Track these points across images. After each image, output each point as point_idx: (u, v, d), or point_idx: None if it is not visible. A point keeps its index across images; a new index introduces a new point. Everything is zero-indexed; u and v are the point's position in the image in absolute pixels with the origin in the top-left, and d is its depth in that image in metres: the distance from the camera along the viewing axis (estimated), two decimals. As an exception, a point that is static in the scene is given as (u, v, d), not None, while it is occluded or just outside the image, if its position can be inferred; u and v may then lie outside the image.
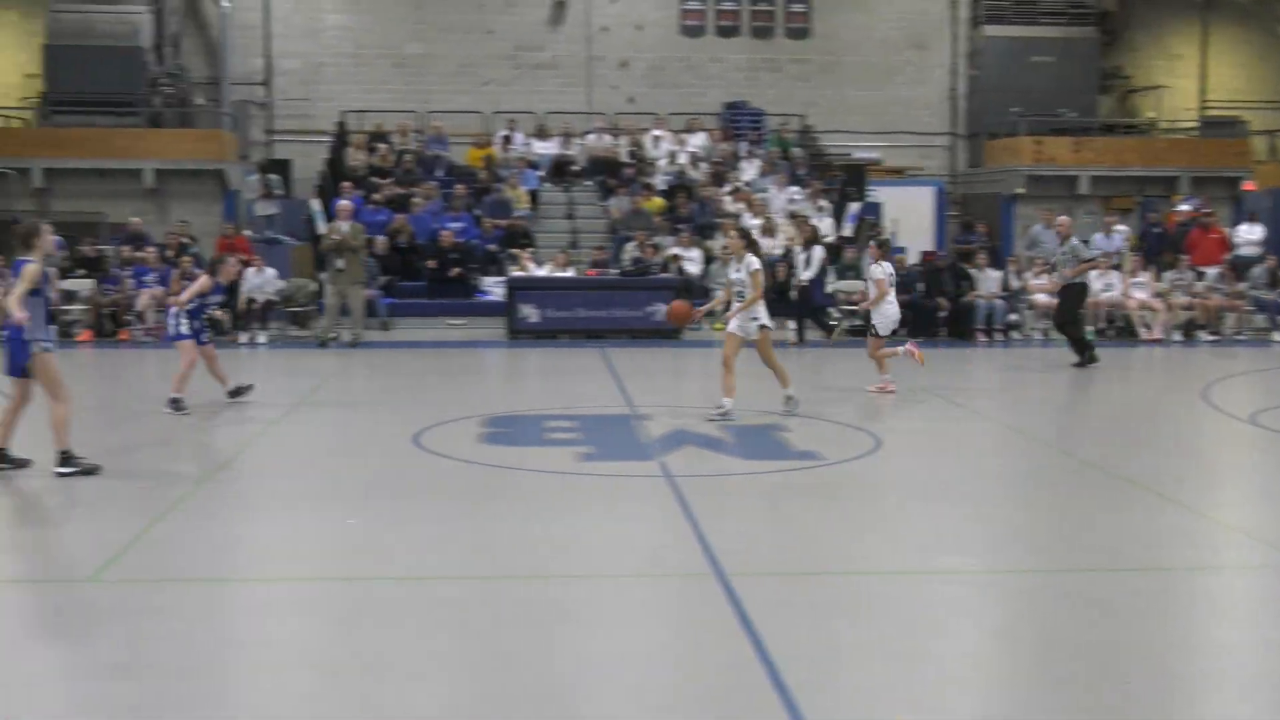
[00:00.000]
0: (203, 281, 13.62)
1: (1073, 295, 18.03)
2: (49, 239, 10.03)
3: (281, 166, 29.04)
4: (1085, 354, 17.63)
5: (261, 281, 21.09)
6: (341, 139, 28.86)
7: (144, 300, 20.59)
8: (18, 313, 9.54)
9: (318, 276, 21.82)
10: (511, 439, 11.94)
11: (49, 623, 6.65)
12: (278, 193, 26.23)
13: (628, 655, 6.18)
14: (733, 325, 12.90)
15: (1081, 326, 18.57)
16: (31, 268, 9.66)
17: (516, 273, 22.69)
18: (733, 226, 14.31)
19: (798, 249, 21.68)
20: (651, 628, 6.65)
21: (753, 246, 12.94)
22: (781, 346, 20.06)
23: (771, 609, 6.73)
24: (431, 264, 22.89)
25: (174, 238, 22.71)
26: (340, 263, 19.95)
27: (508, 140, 28.41)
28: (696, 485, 9.82)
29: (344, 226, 20.18)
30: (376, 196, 25.26)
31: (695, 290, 22.61)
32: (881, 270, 14.85)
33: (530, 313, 21.49)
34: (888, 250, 15.74)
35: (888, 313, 14.87)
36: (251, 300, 20.83)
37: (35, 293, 9.71)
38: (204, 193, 28.88)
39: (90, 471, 9.83)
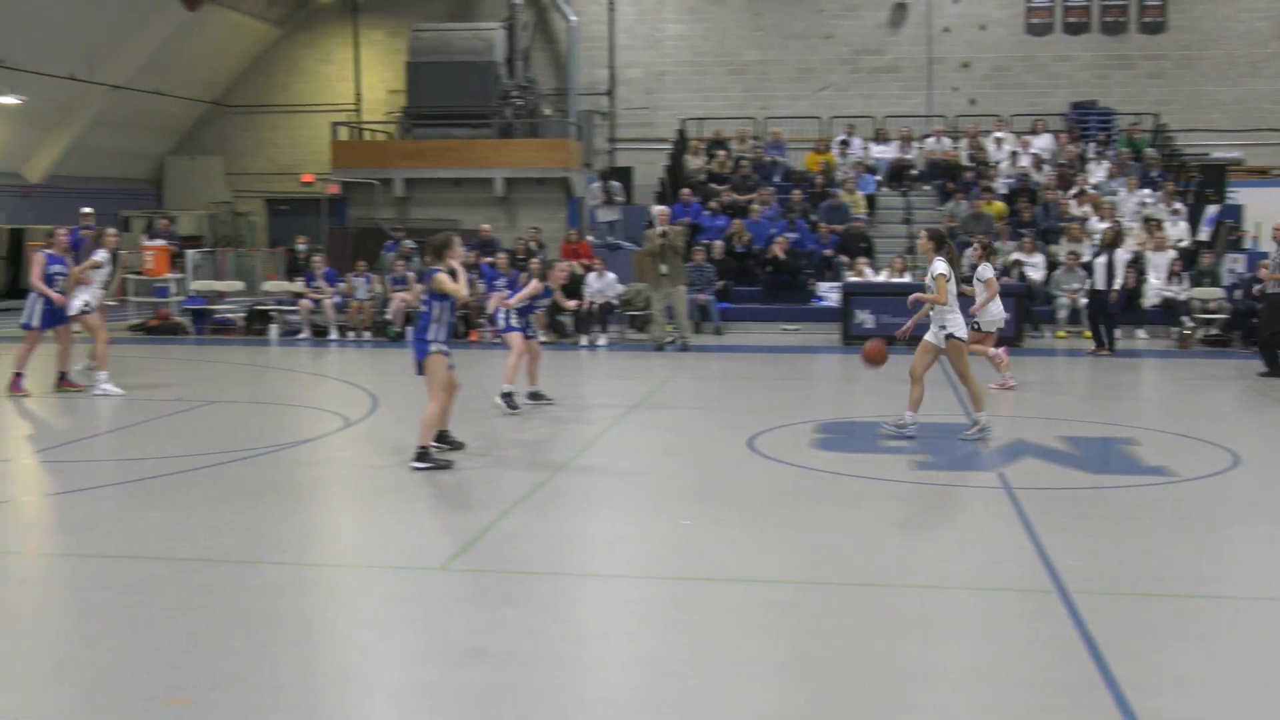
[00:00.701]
0: (534, 285, 14.11)
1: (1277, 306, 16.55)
2: (460, 249, 10.69)
3: (623, 174, 29.82)
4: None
5: (602, 285, 21.71)
6: (681, 146, 29.40)
7: (493, 303, 21.50)
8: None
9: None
10: (846, 445, 11.86)
11: (403, 608, 7.03)
12: (618, 199, 26.94)
13: (961, 669, 6.03)
14: (928, 334, 12.21)
15: None
16: (443, 275, 10.36)
17: (852, 278, 22.55)
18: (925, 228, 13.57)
19: (1090, 254, 20.57)
20: (987, 642, 6.47)
21: (944, 248, 12.04)
22: (1092, 355, 19.20)
23: (1117, 630, 6.43)
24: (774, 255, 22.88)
25: (523, 242, 23.64)
26: (663, 267, 20.26)
27: (845, 145, 28.26)
28: (1038, 498, 9.49)
29: (663, 231, 20.47)
30: (713, 203, 25.60)
31: (1037, 296, 21.91)
32: (990, 270, 15.19)
33: (866, 318, 21.30)
34: (992, 250, 16.26)
35: (993, 311, 15.21)
36: (591, 303, 21.46)
37: (443, 298, 10.38)
38: (549, 200, 30.06)
39: (442, 467, 10.36)
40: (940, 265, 11.87)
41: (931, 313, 12.08)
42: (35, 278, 14.94)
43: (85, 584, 7.41)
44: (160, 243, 24.37)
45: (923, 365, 12.07)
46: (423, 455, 10.39)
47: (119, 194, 33.48)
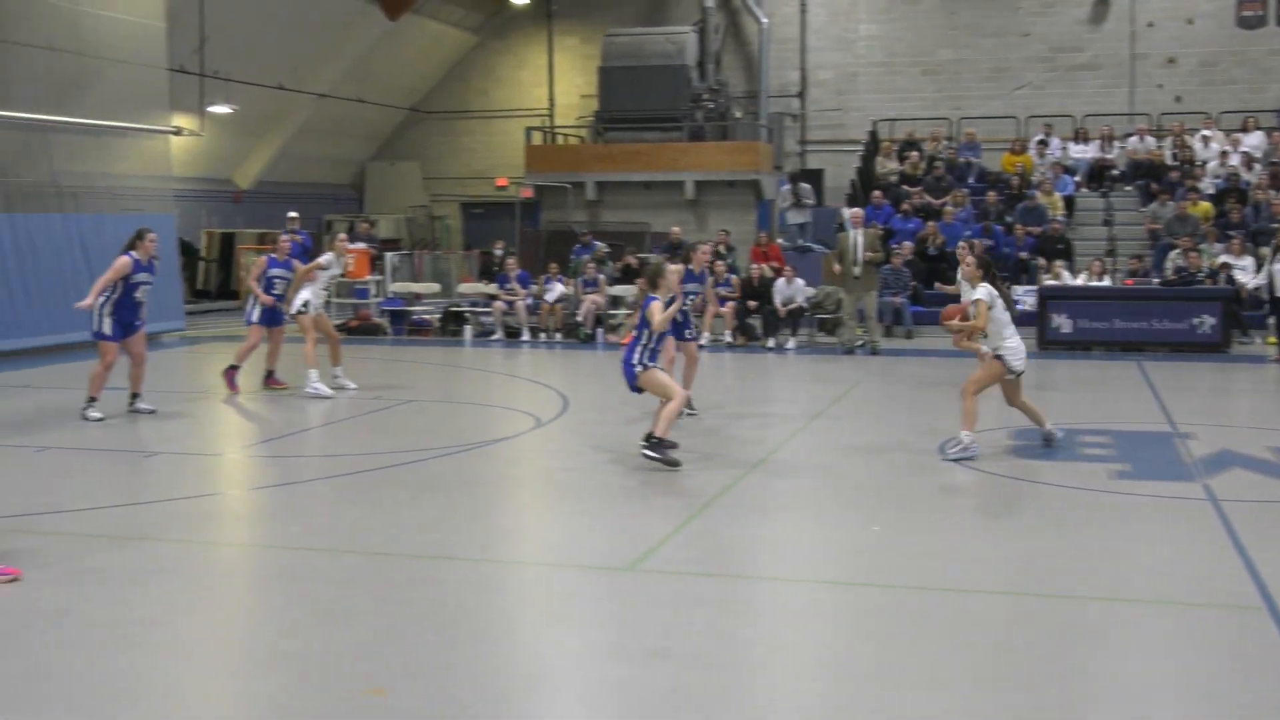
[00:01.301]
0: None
1: None
2: (674, 280, 10.97)
3: (814, 176, 29.61)
4: None
5: (792, 290, 21.60)
6: (873, 147, 29.08)
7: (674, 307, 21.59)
8: (658, 326, 10.75)
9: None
10: (1041, 452, 11.56)
11: (591, 607, 7.10)
12: (807, 201, 26.75)
13: (1162, 685, 5.83)
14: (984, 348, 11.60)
15: None
16: (656, 305, 10.74)
17: (1049, 281, 21.99)
18: (967, 247, 13.02)
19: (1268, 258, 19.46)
20: (1192, 659, 6.23)
21: (990, 274, 11.37)
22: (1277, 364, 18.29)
23: (1332, 652, 6.13)
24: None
25: (712, 245, 23.66)
26: (856, 270, 20.02)
27: (1043, 145, 27.57)
28: (1246, 511, 9.10)
29: (855, 235, 20.20)
30: (905, 205, 25.24)
31: (1246, 302, 21.03)
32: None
33: (1063, 323, 20.72)
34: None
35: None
36: (780, 307, 21.36)
37: (646, 324, 10.71)
38: (739, 203, 30.05)
39: (672, 464, 10.47)
40: (980, 290, 11.25)
41: (985, 336, 11.49)
42: (252, 278, 15.62)
43: (288, 575, 7.69)
44: (361, 245, 25.13)
45: (1008, 388, 11.65)
46: (657, 445, 10.53)
47: (323, 199, 34.66)
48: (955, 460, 10.98)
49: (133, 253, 13.08)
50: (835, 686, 5.86)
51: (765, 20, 32.04)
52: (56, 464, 11.12)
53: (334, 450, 11.95)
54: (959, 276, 13.34)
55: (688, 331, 13.76)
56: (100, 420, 12.84)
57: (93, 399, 13.00)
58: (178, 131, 23.98)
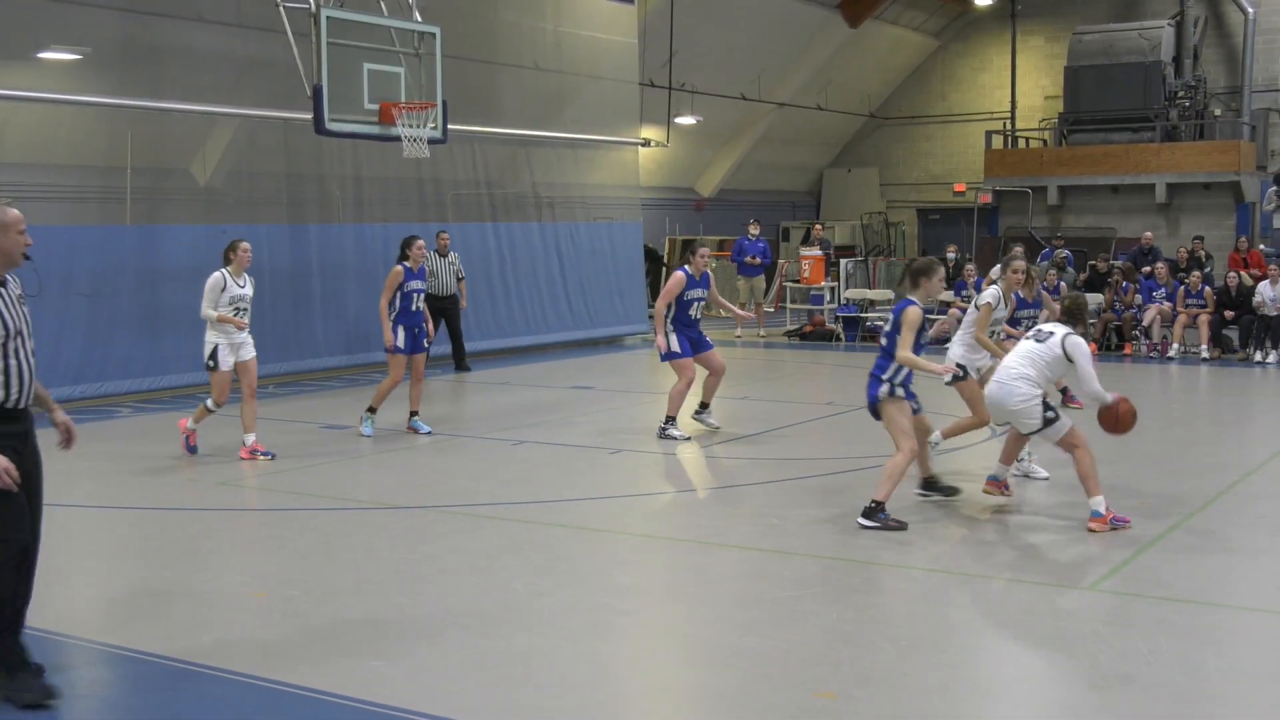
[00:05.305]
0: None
1: None
2: (939, 283, 9.57)
3: (1302, 176, 27.40)
4: None
5: (1276, 294, 20.04)
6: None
7: (1150, 315, 20.54)
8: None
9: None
10: None
11: (1048, 625, 6.87)
12: (1297, 204, 24.82)
13: None
14: None
15: None
16: (914, 310, 9.13)
17: None
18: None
19: None
20: None
21: None
22: None
23: None
24: None
25: (1185, 251, 22.38)
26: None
27: None
28: None
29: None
30: None
31: None
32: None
33: None
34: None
35: None
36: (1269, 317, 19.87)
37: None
38: (1215, 206, 28.30)
39: (894, 528, 8.68)
40: None
41: None
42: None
43: (744, 575, 7.89)
44: (815, 251, 25.39)
45: None
46: (871, 513, 8.76)
47: (780, 206, 35.33)
48: None
49: (405, 263, 12.59)
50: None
51: (1251, 10, 29.93)
52: (531, 456, 11.89)
53: (784, 454, 12.10)
54: None
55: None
56: (370, 436, 12.51)
57: (371, 409, 12.63)
58: (646, 143, 25.07)
